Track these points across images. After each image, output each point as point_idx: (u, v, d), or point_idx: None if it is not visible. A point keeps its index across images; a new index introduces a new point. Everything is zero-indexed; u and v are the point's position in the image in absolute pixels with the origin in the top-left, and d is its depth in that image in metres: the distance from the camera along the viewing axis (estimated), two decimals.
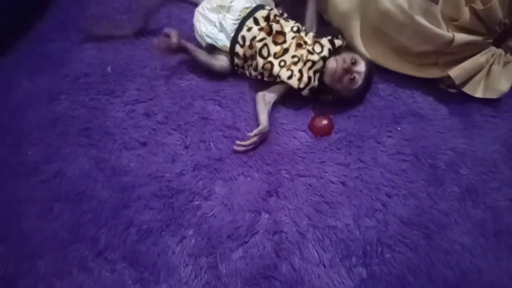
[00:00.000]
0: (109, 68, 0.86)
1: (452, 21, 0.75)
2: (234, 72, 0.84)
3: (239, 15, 0.79)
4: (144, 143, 0.77)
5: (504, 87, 0.78)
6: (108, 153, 0.76)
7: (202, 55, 0.82)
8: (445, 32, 0.74)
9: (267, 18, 0.79)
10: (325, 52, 0.76)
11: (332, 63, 0.75)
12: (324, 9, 0.85)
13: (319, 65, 0.76)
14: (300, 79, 0.76)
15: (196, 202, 0.69)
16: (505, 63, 0.78)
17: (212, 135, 0.77)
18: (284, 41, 0.78)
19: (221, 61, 0.82)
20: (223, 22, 0.79)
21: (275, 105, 0.80)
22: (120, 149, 0.76)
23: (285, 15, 0.83)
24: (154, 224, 0.67)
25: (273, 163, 0.73)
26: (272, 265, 0.63)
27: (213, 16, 0.80)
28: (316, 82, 0.77)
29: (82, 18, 0.96)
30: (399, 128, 0.77)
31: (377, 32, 0.81)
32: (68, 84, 0.85)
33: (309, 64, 0.76)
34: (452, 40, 0.74)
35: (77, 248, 0.65)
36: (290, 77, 0.76)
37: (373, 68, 0.80)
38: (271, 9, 0.80)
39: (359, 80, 0.75)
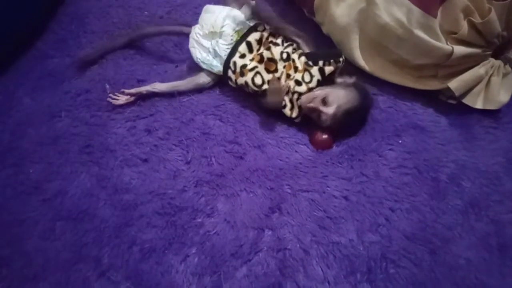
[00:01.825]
0: (107, 86, 0.86)
1: (451, 34, 0.76)
2: (234, 88, 0.84)
3: (231, 39, 0.78)
4: (145, 159, 0.77)
5: (503, 98, 0.79)
6: (109, 171, 0.75)
7: (184, 86, 0.83)
8: (444, 45, 0.75)
9: (259, 41, 0.78)
10: (313, 83, 0.76)
11: (303, 99, 0.75)
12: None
13: None
14: (292, 109, 0.77)
15: (199, 220, 0.69)
16: (504, 75, 0.78)
17: (213, 150, 0.77)
18: (276, 70, 0.77)
19: (203, 77, 0.83)
20: (216, 48, 0.79)
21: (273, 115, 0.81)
22: (122, 166, 0.76)
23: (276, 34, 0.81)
24: (157, 243, 0.67)
25: (275, 179, 0.73)
26: (277, 284, 0.63)
27: (206, 43, 0.80)
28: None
29: (82, 33, 0.96)
30: (400, 141, 0.77)
31: (376, 45, 0.81)
32: (69, 101, 0.85)
33: (296, 95, 0.76)
34: (451, 53, 0.74)
35: (80, 269, 0.65)
36: (284, 107, 0.78)
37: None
38: (264, 30, 0.80)
39: (327, 120, 0.73)
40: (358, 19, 0.81)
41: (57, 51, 0.93)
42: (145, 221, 0.69)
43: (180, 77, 0.87)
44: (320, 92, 0.74)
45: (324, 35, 0.88)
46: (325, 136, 0.77)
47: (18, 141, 0.80)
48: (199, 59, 0.81)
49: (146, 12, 1.00)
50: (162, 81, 0.84)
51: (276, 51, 0.78)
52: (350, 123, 0.77)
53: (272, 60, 0.77)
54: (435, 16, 0.74)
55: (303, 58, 0.77)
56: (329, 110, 0.73)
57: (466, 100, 0.79)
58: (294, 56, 0.78)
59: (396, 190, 0.71)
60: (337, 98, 0.73)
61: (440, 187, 0.71)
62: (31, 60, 0.92)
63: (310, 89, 0.76)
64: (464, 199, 0.70)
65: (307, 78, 0.76)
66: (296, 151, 0.77)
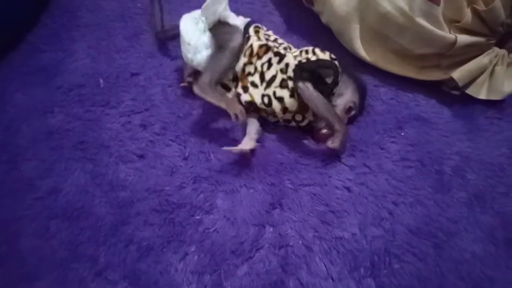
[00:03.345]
0: (101, 80, 0.84)
1: (454, 23, 0.74)
2: None
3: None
4: (141, 155, 0.74)
5: (508, 88, 0.77)
6: (104, 167, 0.73)
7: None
8: (447, 34, 0.73)
9: (235, 78, 0.73)
10: (305, 123, 0.74)
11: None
12: None
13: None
14: None
15: (198, 217, 0.67)
16: (509, 64, 0.77)
17: (211, 145, 0.75)
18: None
19: None
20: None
21: None
22: (117, 163, 0.74)
23: (259, 64, 0.71)
24: (155, 241, 0.65)
25: (276, 174, 0.71)
26: (279, 281, 0.61)
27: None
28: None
29: (75, 27, 0.93)
30: (402, 133, 0.76)
31: (377, 35, 0.79)
32: (62, 96, 0.83)
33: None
34: (454, 42, 0.72)
35: (76, 268, 0.63)
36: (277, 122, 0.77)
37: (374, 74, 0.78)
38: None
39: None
40: (359, 8, 0.79)
41: (49, 45, 0.90)
42: (142, 218, 0.67)
43: (176, 70, 0.85)
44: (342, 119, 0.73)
45: (324, 26, 0.86)
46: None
47: (12, 138, 0.77)
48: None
49: (139, 4, 0.97)
50: (158, 74, 0.82)
51: (256, 94, 0.71)
52: (357, 113, 0.77)
53: (251, 103, 0.72)
54: (438, 4, 0.72)
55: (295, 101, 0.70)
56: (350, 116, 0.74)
57: (470, 91, 0.77)
58: (282, 93, 0.70)
59: (399, 183, 0.70)
60: (352, 101, 0.74)
61: (444, 180, 0.70)
62: (23, 55, 0.89)
63: (300, 126, 0.74)
64: (469, 191, 0.69)
65: (299, 117, 0.73)
66: (296, 145, 0.75)
